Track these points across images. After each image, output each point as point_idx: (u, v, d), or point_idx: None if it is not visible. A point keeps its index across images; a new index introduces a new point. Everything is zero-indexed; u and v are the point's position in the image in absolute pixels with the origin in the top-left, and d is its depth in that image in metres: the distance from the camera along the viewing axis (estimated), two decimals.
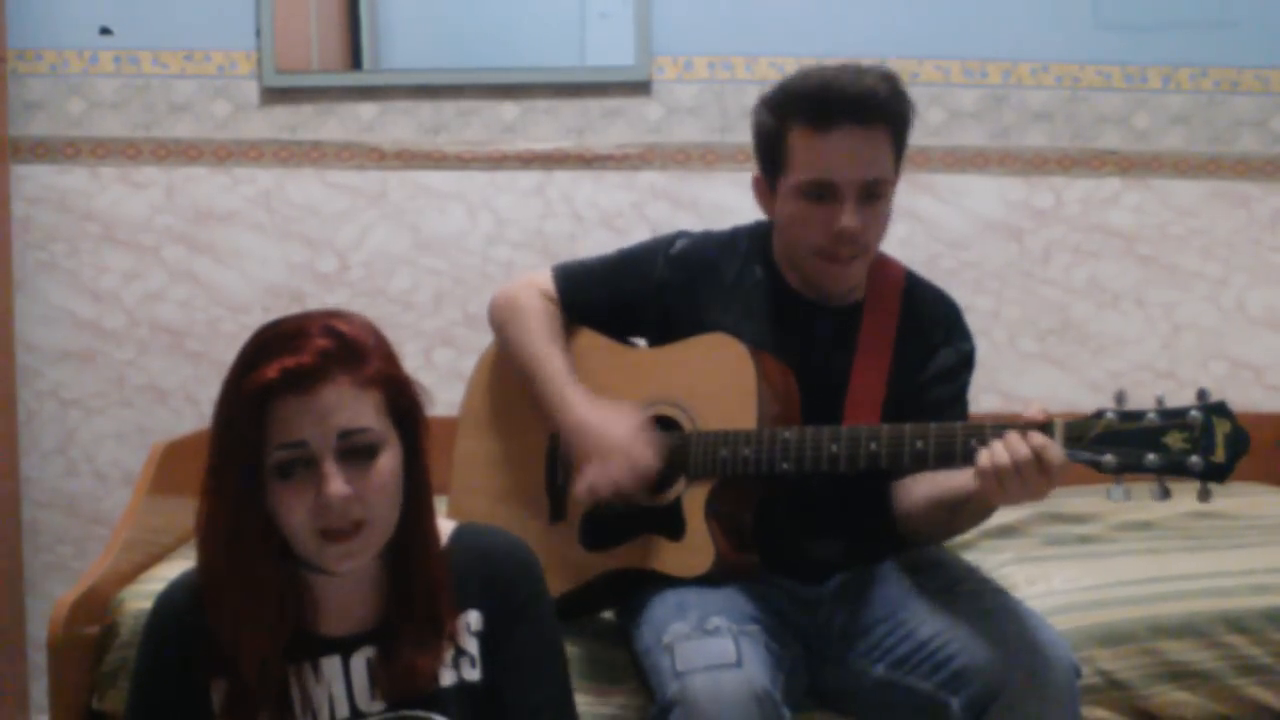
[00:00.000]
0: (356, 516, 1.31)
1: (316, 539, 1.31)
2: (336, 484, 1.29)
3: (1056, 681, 1.60)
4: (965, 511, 1.72)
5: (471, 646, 1.42)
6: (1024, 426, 1.54)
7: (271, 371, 1.29)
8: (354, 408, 1.31)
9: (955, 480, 1.67)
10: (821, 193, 1.77)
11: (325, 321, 1.33)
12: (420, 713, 1.37)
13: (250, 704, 1.34)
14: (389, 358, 1.36)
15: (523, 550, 1.48)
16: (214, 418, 1.34)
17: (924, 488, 1.76)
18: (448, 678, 1.40)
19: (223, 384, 1.33)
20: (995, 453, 1.53)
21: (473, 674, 1.41)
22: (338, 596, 1.39)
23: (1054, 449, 1.51)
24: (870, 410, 1.81)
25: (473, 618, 1.42)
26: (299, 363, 1.29)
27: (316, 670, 1.38)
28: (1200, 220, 2.88)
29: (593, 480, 1.77)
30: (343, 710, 1.37)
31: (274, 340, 1.32)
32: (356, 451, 1.31)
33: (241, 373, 1.31)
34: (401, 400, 1.36)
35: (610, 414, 1.80)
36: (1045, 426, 1.54)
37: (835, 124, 1.74)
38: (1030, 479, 1.51)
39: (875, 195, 1.78)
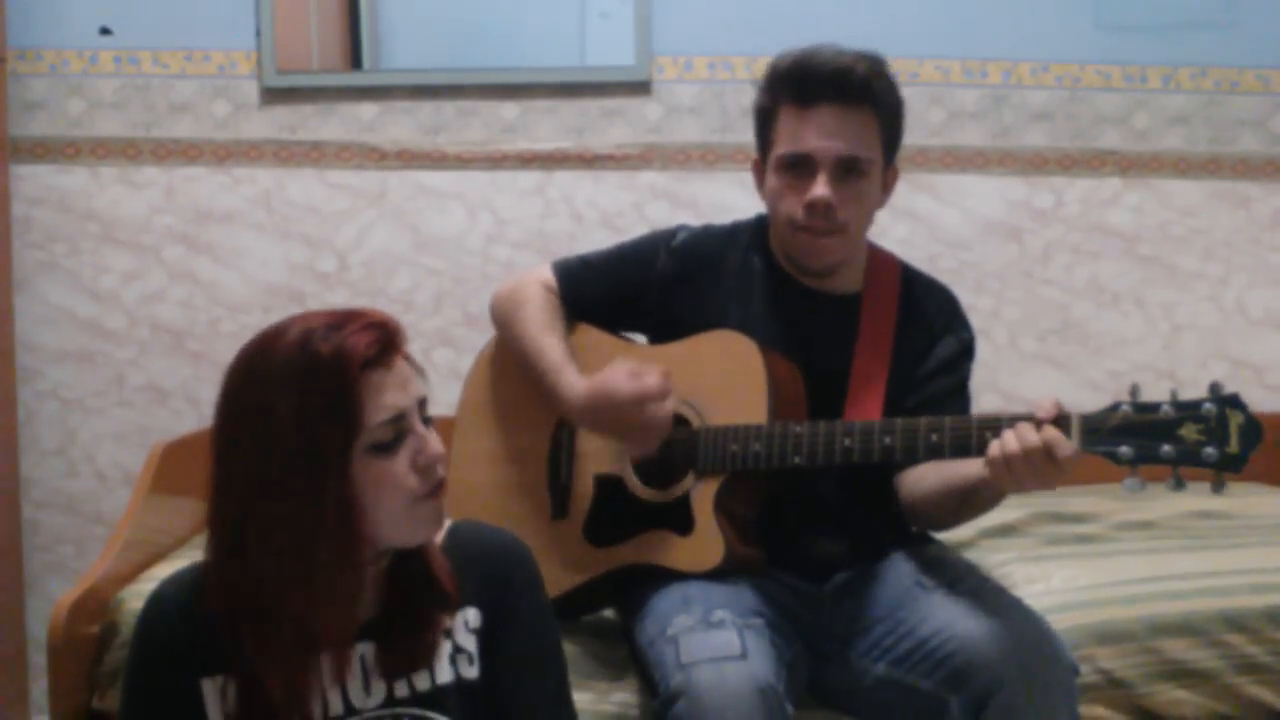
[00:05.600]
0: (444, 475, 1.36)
1: (415, 505, 1.33)
2: (437, 442, 1.35)
3: (1055, 680, 1.61)
4: (975, 500, 1.73)
5: (469, 644, 1.41)
6: (1038, 419, 1.55)
7: (361, 345, 1.28)
8: (415, 379, 1.35)
9: (965, 469, 1.68)
10: (798, 165, 1.81)
11: (352, 308, 1.35)
12: (417, 710, 1.37)
13: (281, 708, 1.31)
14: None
15: (519, 547, 1.48)
16: (270, 416, 1.27)
17: (933, 477, 1.76)
18: (446, 675, 1.39)
19: (269, 382, 1.28)
20: (1006, 442, 1.54)
21: (471, 671, 1.40)
22: None
23: (1064, 440, 1.52)
24: (873, 400, 1.82)
25: (470, 615, 1.42)
26: (380, 337, 1.30)
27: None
28: (1200, 220, 2.88)
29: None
30: (337, 707, 1.36)
31: (326, 329, 1.29)
32: (427, 420, 1.36)
33: (309, 359, 1.27)
34: (422, 378, 1.39)
35: (604, 381, 1.79)
36: (1061, 419, 1.54)
37: (817, 101, 1.79)
38: (1040, 468, 1.53)
39: (853, 172, 1.80)
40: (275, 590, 1.29)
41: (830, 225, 1.81)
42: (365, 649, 1.38)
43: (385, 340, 1.31)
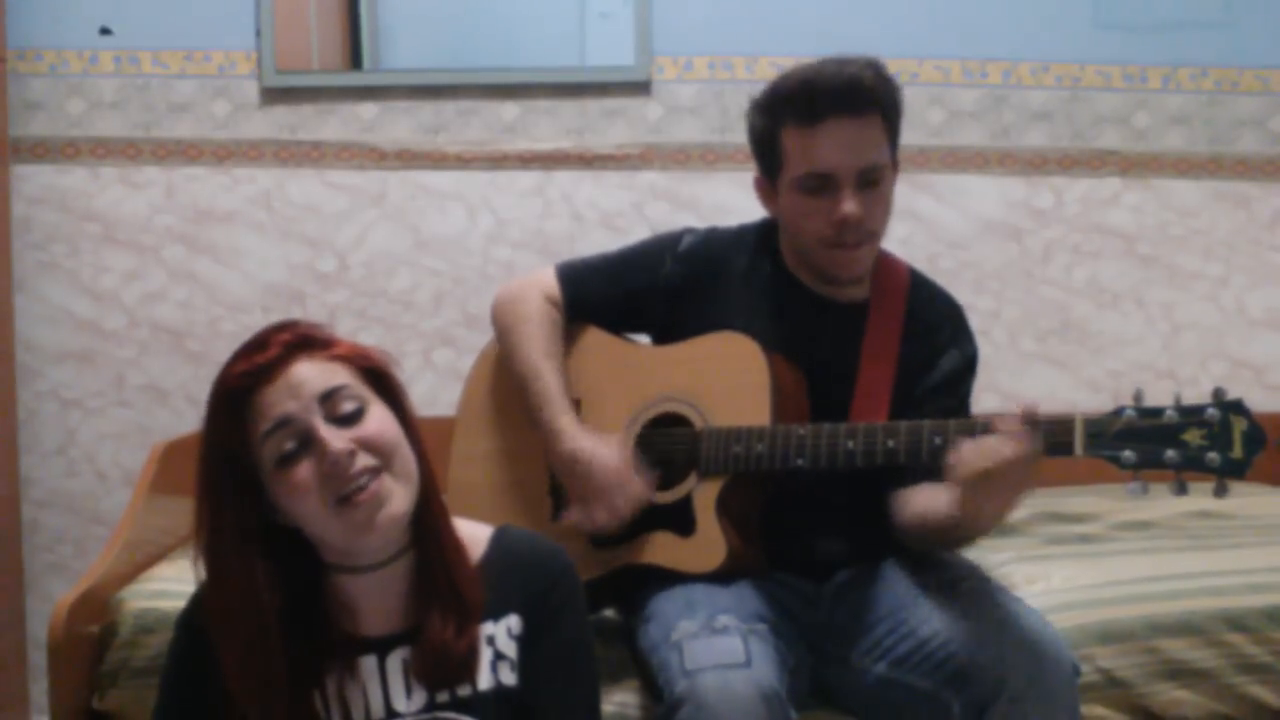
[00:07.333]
0: (366, 464, 1.31)
1: (336, 513, 1.31)
2: (335, 440, 1.30)
3: (1056, 680, 1.61)
4: (956, 532, 1.71)
5: (511, 651, 1.40)
6: (1043, 423, 1.54)
7: (238, 369, 1.31)
8: (327, 374, 1.33)
9: (939, 503, 1.68)
10: (819, 184, 1.79)
11: (284, 323, 1.37)
12: (455, 715, 1.37)
13: None
14: (353, 344, 1.38)
15: (561, 555, 1.47)
16: (200, 441, 1.34)
17: (916, 505, 1.76)
18: (486, 681, 1.38)
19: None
20: (964, 455, 1.55)
21: (511, 678, 1.40)
22: (373, 596, 1.38)
23: (1012, 438, 1.52)
24: (877, 407, 1.82)
25: (513, 622, 1.41)
26: (265, 357, 1.32)
27: (353, 671, 1.37)
28: (1200, 220, 2.88)
29: (578, 520, 1.82)
30: (378, 710, 1.36)
31: (240, 350, 1.35)
32: (346, 416, 1.32)
33: (215, 384, 1.33)
34: (373, 369, 1.37)
35: (599, 450, 1.81)
36: (1064, 423, 1.55)
37: (824, 117, 1.77)
38: (1004, 470, 1.52)
39: (872, 181, 1.80)
40: (215, 616, 1.33)
41: (860, 237, 1.81)
42: (404, 653, 1.38)
43: (273, 360, 1.31)
